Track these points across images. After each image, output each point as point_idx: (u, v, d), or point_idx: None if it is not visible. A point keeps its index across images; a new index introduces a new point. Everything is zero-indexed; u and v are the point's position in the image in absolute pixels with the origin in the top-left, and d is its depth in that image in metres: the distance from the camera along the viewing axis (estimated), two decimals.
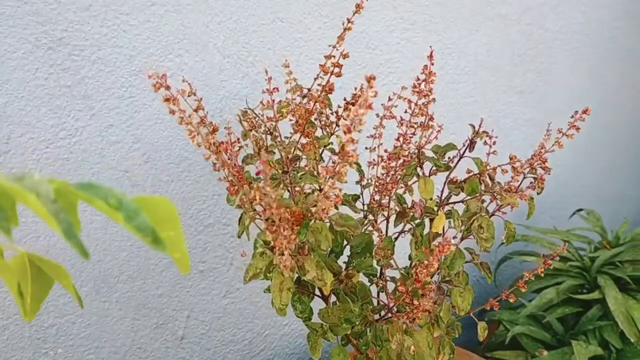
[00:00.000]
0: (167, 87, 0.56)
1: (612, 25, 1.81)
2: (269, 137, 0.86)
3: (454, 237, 0.85)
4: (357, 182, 0.87)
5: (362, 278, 0.78)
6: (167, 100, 0.55)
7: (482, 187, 0.76)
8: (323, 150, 0.86)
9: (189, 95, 0.66)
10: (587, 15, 1.71)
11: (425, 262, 0.60)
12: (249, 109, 0.88)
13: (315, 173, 0.81)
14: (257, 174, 0.56)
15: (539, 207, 0.90)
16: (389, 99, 0.87)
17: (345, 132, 0.51)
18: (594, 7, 1.72)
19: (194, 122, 0.59)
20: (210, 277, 1.10)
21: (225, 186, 0.82)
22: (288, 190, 0.70)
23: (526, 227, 1.40)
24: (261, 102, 0.84)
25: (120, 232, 0.97)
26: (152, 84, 0.55)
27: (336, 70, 0.71)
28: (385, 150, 0.78)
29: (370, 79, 0.48)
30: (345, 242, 0.80)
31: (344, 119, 0.89)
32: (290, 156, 0.69)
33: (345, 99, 0.89)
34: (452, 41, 1.38)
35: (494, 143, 0.81)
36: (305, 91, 0.85)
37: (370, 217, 0.83)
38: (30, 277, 0.51)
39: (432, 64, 0.71)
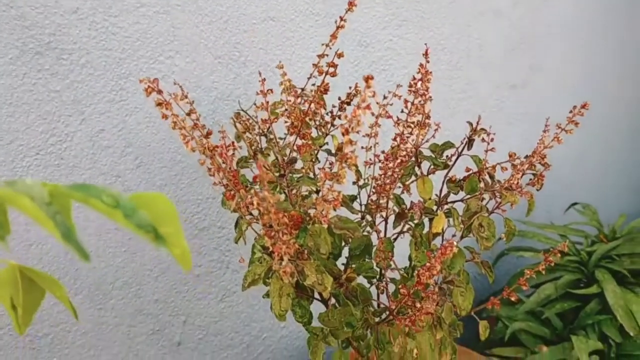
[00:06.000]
0: (159, 92, 0.54)
1: (605, 17, 1.81)
2: (263, 138, 0.85)
3: (453, 236, 0.84)
4: (354, 183, 0.86)
5: (362, 280, 0.76)
6: (159, 104, 0.54)
7: (482, 186, 0.75)
8: (318, 151, 0.85)
9: (181, 99, 0.65)
10: (578, 7, 1.71)
11: (428, 264, 0.59)
12: (242, 110, 0.87)
13: (312, 175, 0.79)
14: (254, 179, 0.55)
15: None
16: (385, 97, 0.86)
17: (343, 134, 0.49)
18: None
19: (188, 127, 0.57)
20: (206, 282, 1.08)
21: (219, 189, 0.81)
22: (285, 194, 0.69)
23: (522, 223, 1.40)
24: (255, 104, 0.82)
25: (114, 238, 0.95)
26: (143, 88, 0.53)
27: (331, 70, 0.69)
28: (383, 152, 0.77)
29: (367, 79, 0.46)
30: (343, 244, 0.79)
31: (339, 118, 0.88)
32: (286, 159, 0.67)
33: (339, 98, 0.88)
34: (444, 37, 1.37)
35: (492, 140, 0.80)
36: (299, 91, 0.84)
37: (368, 217, 0.82)
38: (22, 290, 0.49)
39: (428, 62, 0.70)
